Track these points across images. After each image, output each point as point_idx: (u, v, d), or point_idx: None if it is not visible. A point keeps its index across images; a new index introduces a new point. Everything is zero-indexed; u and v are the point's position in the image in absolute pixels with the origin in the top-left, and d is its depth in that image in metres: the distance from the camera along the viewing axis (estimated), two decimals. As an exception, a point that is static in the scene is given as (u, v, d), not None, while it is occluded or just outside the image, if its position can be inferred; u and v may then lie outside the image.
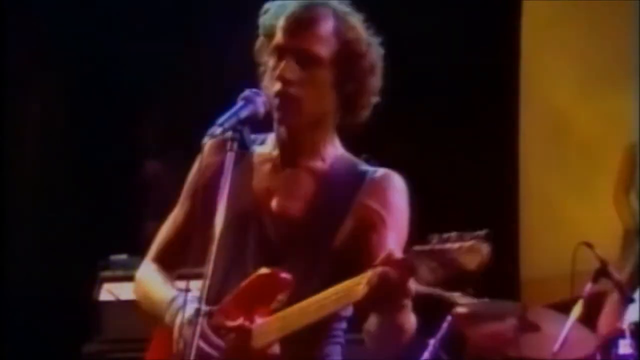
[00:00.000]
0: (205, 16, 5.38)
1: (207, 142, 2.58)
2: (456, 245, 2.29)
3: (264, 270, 2.55)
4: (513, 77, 5.52)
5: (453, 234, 2.31)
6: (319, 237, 2.62)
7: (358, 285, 2.41)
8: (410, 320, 2.47)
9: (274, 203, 2.66)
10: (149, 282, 2.75)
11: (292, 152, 2.67)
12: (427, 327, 3.85)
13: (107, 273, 4.73)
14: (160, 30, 5.42)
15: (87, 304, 4.68)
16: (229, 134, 2.51)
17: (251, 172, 2.68)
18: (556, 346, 3.91)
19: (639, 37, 5.34)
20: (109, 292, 4.63)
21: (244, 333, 2.52)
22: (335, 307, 2.47)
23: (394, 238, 2.57)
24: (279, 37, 2.61)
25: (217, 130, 2.51)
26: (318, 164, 2.67)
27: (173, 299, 2.62)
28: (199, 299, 2.44)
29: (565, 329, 3.92)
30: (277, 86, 2.59)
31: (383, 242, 2.55)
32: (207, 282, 2.43)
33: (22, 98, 5.49)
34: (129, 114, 5.62)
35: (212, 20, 5.34)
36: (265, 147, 2.70)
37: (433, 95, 5.39)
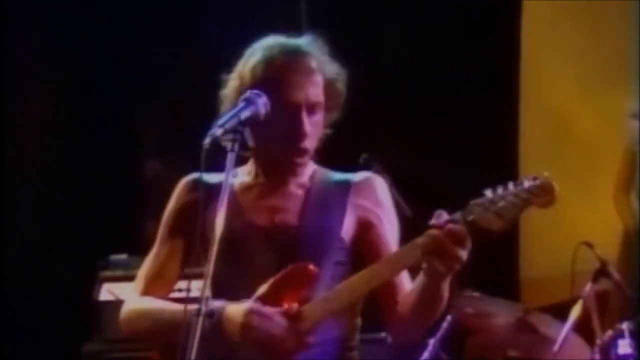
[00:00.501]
0: (207, 15, 5.38)
1: (181, 182, 2.84)
2: (527, 184, 2.49)
3: (295, 264, 2.65)
4: (513, 77, 5.52)
5: (509, 184, 2.51)
6: (321, 240, 2.74)
7: (412, 250, 2.56)
8: (447, 291, 2.63)
9: (270, 219, 2.78)
10: (150, 305, 2.78)
11: (282, 178, 2.81)
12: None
13: (107, 273, 4.72)
14: (162, 29, 5.41)
15: (87, 304, 4.67)
16: (230, 136, 2.56)
17: (238, 200, 2.78)
18: (555, 347, 3.91)
19: (639, 37, 5.34)
20: (109, 292, 4.63)
21: (293, 316, 2.60)
22: (389, 273, 2.64)
23: (391, 231, 2.81)
24: (285, 90, 2.72)
25: (218, 131, 2.55)
26: (303, 180, 2.83)
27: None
28: (204, 300, 2.46)
29: (562, 334, 3.93)
30: (304, 144, 2.74)
31: (383, 236, 2.79)
32: (208, 282, 2.45)
33: (21, 97, 5.48)
34: (129, 113, 5.63)
35: (214, 19, 5.34)
36: (243, 177, 2.83)
37: (433, 95, 5.39)
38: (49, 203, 5.48)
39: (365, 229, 2.79)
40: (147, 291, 2.82)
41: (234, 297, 2.66)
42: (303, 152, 2.76)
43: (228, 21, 5.02)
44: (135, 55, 5.45)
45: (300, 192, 2.81)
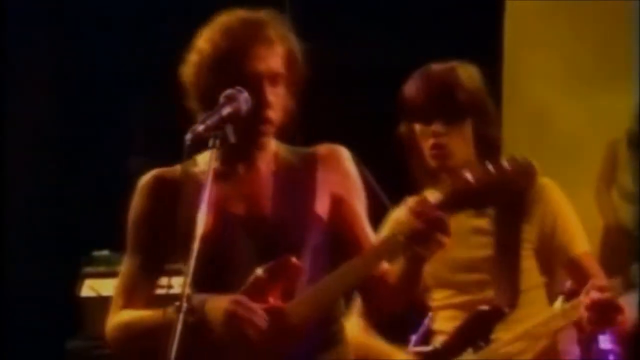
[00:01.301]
0: (195, 14, 5.38)
1: (140, 182, 2.79)
2: (506, 165, 2.52)
3: (277, 259, 2.62)
4: (495, 76, 5.53)
5: (488, 164, 2.53)
6: (300, 221, 2.72)
7: (396, 238, 2.58)
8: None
9: (243, 207, 2.74)
10: (130, 317, 2.75)
11: (247, 156, 2.76)
12: (408, 323, 3.87)
13: (89, 269, 4.73)
14: (148, 25, 5.41)
15: (70, 300, 4.67)
16: (211, 132, 2.55)
17: (201, 192, 2.66)
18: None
19: (633, 35, 5.36)
20: (91, 288, 4.63)
21: (277, 312, 2.58)
22: (376, 263, 2.65)
23: (361, 206, 2.81)
24: (246, 61, 2.68)
25: (199, 127, 2.55)
26: (268, 160, 2.78)
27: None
28: (183, 297, 2.44)
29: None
30: (268, 113, 2.70)
31: (356, 212, 2.79)
32: (189, 279, 2.44)
33: (6, 96, 5.47)
34: (113, 109, 5.61)
35: (203, 18, 5.33)
36: (204, 166, 2.72)
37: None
38: (31, 199, 5.46)
39: (338, 204, 2.77)
40: (125, 306, 2.78)
41: (216, 293, 2.63)
42: (267, 121, 2.71)
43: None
44: (120, 48, 5.44)
45: (268, 174, 2.77)
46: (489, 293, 3.26)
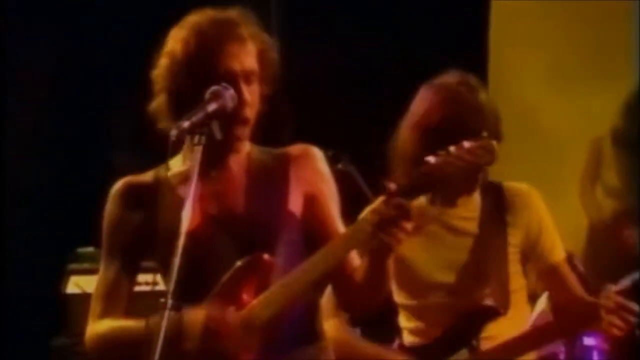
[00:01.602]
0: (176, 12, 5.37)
1: (113, 189, 2.80)
2: (467, 145, 2.54)
3: (248, 257, 2.63)
4: (481, 75, 5.54)
5: (450, 147, 2.55)
6: (273, 219, 2.72)
7: (364, 225, 2.59)
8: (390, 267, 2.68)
9: (217, 207, 2.74)
10: (110, 326, 2.75)
11: (222, 157, 2.76)
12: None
13: (74, 266, 4.72)
14: (134, 21, 5.39)
15: (55, 297, 4.66)
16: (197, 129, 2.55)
17: (178, 194, 2.70)
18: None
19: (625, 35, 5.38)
20: (76, 285, 4.63)
21: (245, 319, 2.58)
22: (345, 250, 2.65)
23: (334, 206, 2.80)
24: (220, 61, 2.66)
25: (184, 123, 2.54)
26: (241, 160, 2.78)
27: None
28: (170, 294, 2.44)
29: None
30: (246, 112, 2.69)
31: (328, 211, 2.78)
32: (174, 276, 2.44)
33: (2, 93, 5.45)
34: (99, 105, 5.60)
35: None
36: (177, 168, 2.74)
37: (400, 92, 5.41)
38: (15, 195, 5.45)
39: (311, 202, 2.77)
40: (104, 313, 2.79)
41: (197, 293, 2.63)
42: (245, 121, 2.71)
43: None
44: (105, 44, 5.43)
45: (241, 173, 2.77)
46: (475, 295, 3.30)
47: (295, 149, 2.83)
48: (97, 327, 2.78)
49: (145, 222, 2.68)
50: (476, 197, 3.37)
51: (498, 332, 3.29)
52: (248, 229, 2.71)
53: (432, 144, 2.83)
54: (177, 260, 2.45)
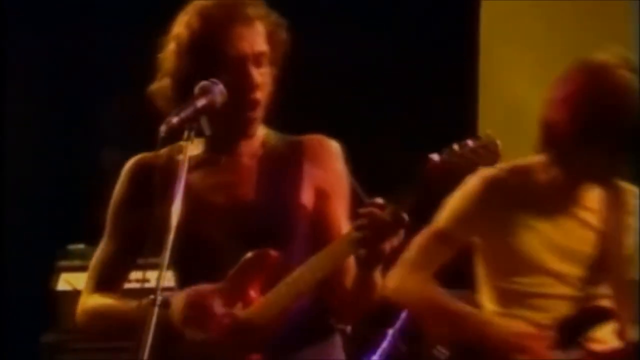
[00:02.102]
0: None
1: (126, 165, 2.75)
2: (471, 144, 2.52)
3: (254, 252, 2.58)
4: (472, 73, 5.56)
5: (453, 145, 2.54)
6: (284, 211, 2.67)
7: (348, 237, 2.50)
8: (379, 278, 2.60)
9: (227, 197, 2.69)
10: (101, 303, 2.73)
11: (234, 142, 2.71)
12: (385, 317, 3.88)
13: (64, 262, 4.71)
14: (134, 21, 5.39)
15: (45, 294, 4.66)
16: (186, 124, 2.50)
17: (188, 180, 2.60)
18: None
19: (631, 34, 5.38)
20: (67, 281, 4.62)
21: (239, 322, 2.55)
22: (333, 263, 2.54)
23: (344, 203, 2.73)
24: (228, 43, 2.61)
25: (174, 119, 2.50)
26: (255, 147, 2.73)
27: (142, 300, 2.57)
28: (159, 290, 2.41)
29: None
30: (256, 95, 2.63)
31: (336, 210, 2.71)
32: (163, 272, 2.42)
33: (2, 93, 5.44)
34: (88, 101, 5.59)
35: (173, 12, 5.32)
36: (191, 152, 2.63)
37: (392, 90, 5.42)
38: (5, 191, 5.44)
39: (322, 199, 2.72)
40: (96, 288, 2.77)
41: (205, 282, 2.60)
42: (255, 103, 2.66)
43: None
44: (95, 41, 5.42)
45: (253, 161, 2.73)
46: (592, 290, 3.25)
47: (312, 139, 2.77)
48: (88, 300, 2.76)
49: (152, 204, 2.59)
50: (598, 190, 3.32)
51: (601, 335, 3.21)
52: (257, 221, 2.66)
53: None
54: (166, 255, 2.42)
